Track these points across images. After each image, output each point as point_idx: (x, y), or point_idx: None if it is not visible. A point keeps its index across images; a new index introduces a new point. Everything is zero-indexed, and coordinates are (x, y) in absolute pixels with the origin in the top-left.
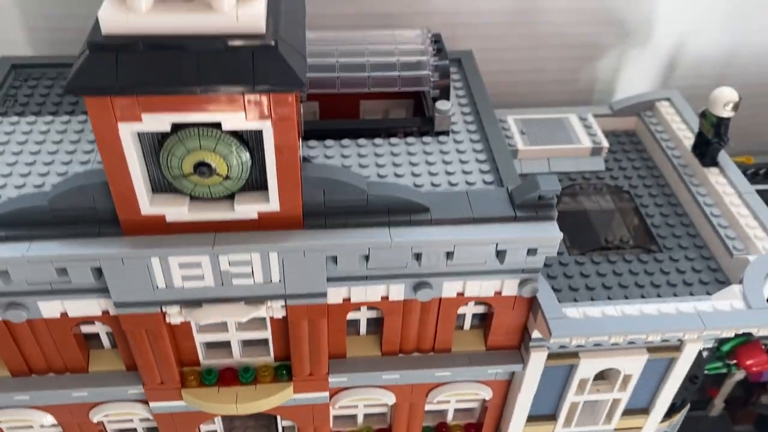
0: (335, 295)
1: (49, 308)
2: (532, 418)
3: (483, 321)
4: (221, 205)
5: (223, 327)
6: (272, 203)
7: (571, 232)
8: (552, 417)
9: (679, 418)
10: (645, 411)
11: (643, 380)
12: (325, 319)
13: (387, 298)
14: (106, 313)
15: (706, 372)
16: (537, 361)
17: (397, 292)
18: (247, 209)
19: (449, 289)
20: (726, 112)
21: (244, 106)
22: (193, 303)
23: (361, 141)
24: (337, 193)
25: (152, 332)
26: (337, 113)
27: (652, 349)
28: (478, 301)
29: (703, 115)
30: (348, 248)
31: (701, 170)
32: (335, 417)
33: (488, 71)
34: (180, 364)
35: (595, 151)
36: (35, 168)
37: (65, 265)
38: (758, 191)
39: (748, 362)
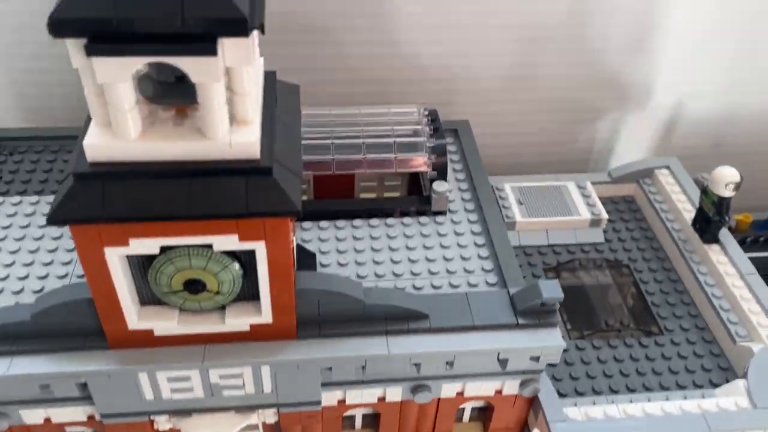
0: (330, 397)
1: (32, 416)
2: None
3: (483, 412)
4: (212, 318)
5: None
6: (264, 316)
7: (571, 312)
8: None
9: None
10: None
11: None
12: (320, 423)
13: (384, 399)
14: (91, 418)
15: None
16: None
17: (395, 393)
18: (238, 322)
19: (449, 389)
20: (727, 192)
21: (237, 229)
22: (182, 412)
23: (357, 222)
24: (333, 303)
25: None
26: (332, 187)
27: None
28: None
29: (704, 192)
30: (343, 361)
31: (702, 246)
32: None
33: (486, 135)
34: None
35: (594, 222)
36: (13, 271)
37: (49, 381)
38: (757, 258)
39: None
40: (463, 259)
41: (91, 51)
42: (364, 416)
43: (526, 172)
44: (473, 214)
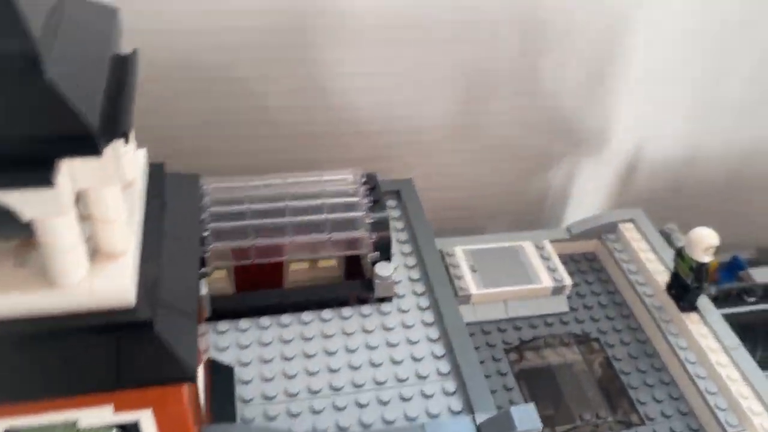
0: None
1: None
2: None
3: None
4: None
5: None
6: None
7: (539, 403)
8: None
9: None
10: None
11: None
12: None
13: None
14: None
15: None
16: None
17: None
18: None
19: None
20: (706, 257)
21: (112, 398)
22: None
23: (286, 318)
24: None
25: None
26: (256, 275)
27: None
28: None
29: (680, 256)
30: None
31: (678, 315)
32: None
33: (431, 189)
34: None
35: (557, 290)
36: None
37: None
38: (732, 315)
39: None
40: (415, 360)
41: None
42: None
43: (477, 227)
44: (423, 298)
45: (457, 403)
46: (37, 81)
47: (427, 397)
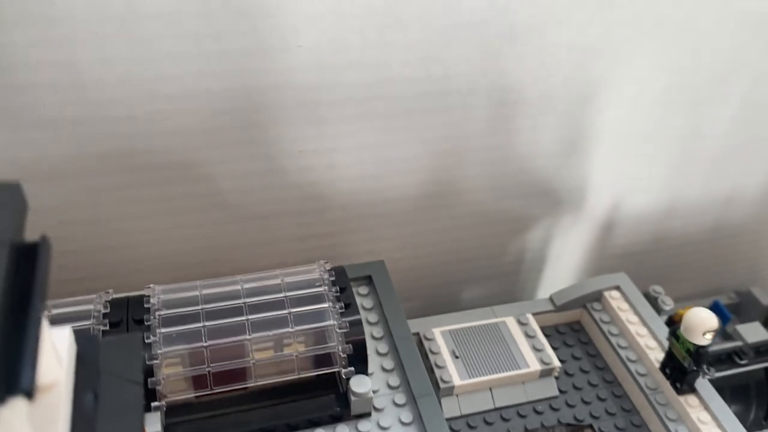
0: None
1: None
2: None
3: None
4: None
5: None
6: None
7: None
8: None
9: None
10: None
11: None
12: None
13: None
14: None
15: None
16: None
17: None
18: None
19: None
20: (705, 340)
21: None
22: None
23: None
24: None
25: None
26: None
27: None
28: None
29: (675, 336)
30: None
31: (675, 397)
32: None
33: (402, 259)
34: None
35: (545, 372)
36: None
37: None
38: (721, 378)
39: None
40: None
41: None
42: None
43: (451, 294)
44: (405, 411)
45: None
46: None
47: None
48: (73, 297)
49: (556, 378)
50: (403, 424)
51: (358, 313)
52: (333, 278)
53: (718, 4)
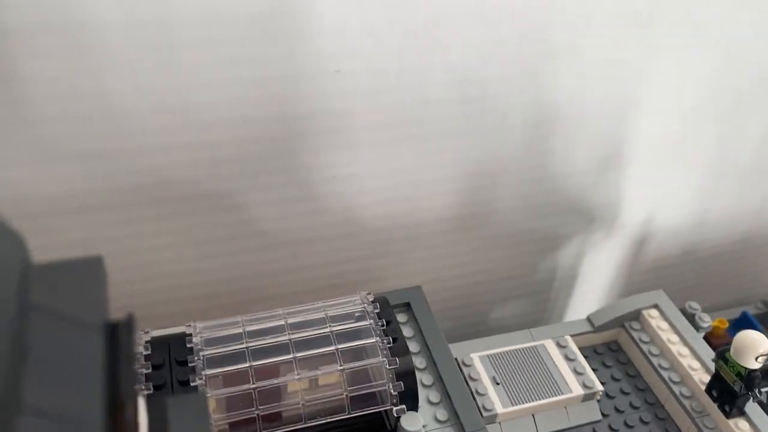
0: None
1: None
2: None
3: None
4: None
5: None
6: None
7: None
8: None
9: None
10: None
11: None
12: None
13: None
14: None
15: None
16: None
17: None
18: None
19: None
20: (758, 364)
21: None
22: None
23: None
24: None
25: None
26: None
27: None
28: None
29: (723, 359)
30: None
31: (723, 420)
32: None
33: (436, 280)
34: None
35: (588, 396)
36: None
37: None
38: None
39: None
40: None
41: None
42: None
43: (484, 312)
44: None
45: None
46: None
47: None
48: None
49: (598, 401)
50: None
51: (407, 347)
52: (378, 311)
53: (753, 15)
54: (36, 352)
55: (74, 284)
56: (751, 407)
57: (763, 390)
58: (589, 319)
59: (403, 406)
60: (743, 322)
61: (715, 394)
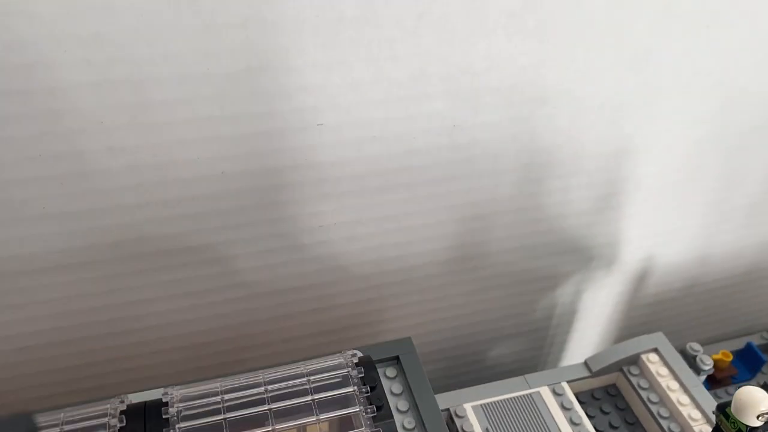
0: None
1: None
2: None
3: None
4: None
5: None
6: None
7: None
8: None
9: None
10: None
11: None
12: None
13: None
14: None
15: None
16: None
17: None
18: None
19: None
20: (759, 422)
21: None
22: None
23: None
24: None
25: None
26: None
27: None
28: None
29: (724, 414)
30: None
31: None
32: None
33: (427, 323)
34: None
35: None
36: None
37: None
38: None
39: None
40: None
41: None
42: None
43: (479, 352)
44: None
45: None
46: None
47: None
48: (86, 388)
49: None
50: None
51: (391, 414)
52: (362, 375)
53: (753, 56)
54: None
55: None
56: None
57: None
58: (586, 364)
59: None
60: (748, 354)
61: None
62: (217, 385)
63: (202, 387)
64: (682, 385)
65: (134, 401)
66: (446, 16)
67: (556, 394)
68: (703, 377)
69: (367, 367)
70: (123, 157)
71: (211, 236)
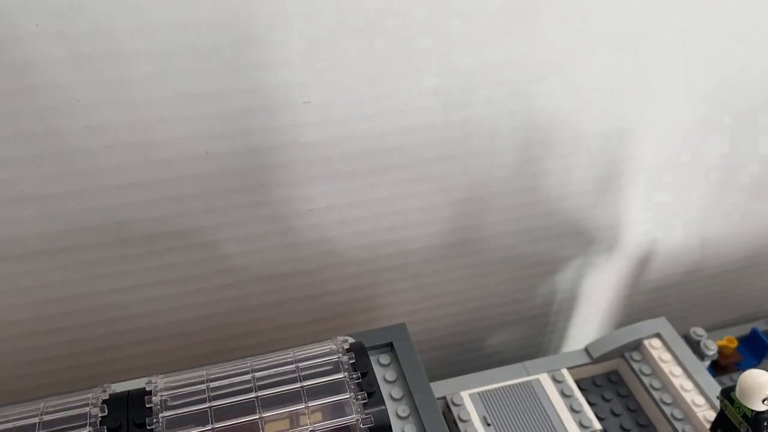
0: None
1: None
2: None
3: None
4: None
5: None
6: None
7: None
8: None
9: None
10: None
11: None
12: None
13: None
14: None
15: None
16: None
17: None
18: None
19: None
20: (764, 406)
21: None
22: None
23: None
24: None
25: None
26: None
27: None
28: None
29: (729, 399)
30: None
31: None
32: None
33: (424, 309)
34: None
35: None
36: None
37: None
38: None
39: None
40: None
41: None
42: None
43: (478, 340)
44: None
45: None
46: None
47: None
48: (73, 379)
49: None
50: None
51: (382, 400)
52: (353, 361)
53: (752, 32)
54: None
55: None
56: None
57: None
58: (587, 350)
59: None
60: (753, 340)
61: None
62: (203, 373)
63: (188, 375)
64: (685, 370)
65: (119, 390)
66: None
67: (556, 381)
68: (707, 362)
69: (359, 353)
70: (102, 136)
71: (197, 220)
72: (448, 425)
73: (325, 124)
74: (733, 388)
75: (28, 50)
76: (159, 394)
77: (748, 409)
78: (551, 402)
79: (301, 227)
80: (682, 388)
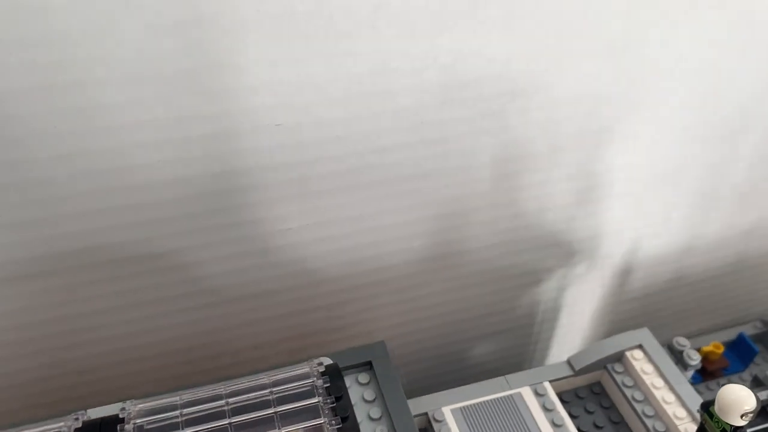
0: None
1: None
2: None
3: None
4: None
5: None
6: None
7: None
8: None
9: None
10: None
11: None
12: None
13: None
14: None
15: None
16: None
17: None
18: None
19: None
20: (743, 421)
21: None
22: None
23: None
24: None
25: None
26: None
27: None
28: None
29: (708, 413)
30: None
31: None
32: None
33: (403, 323)
34: None
35: None
36: None
37: None
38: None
39: None
40: None
41: None
42: None
43: (460, 352)
44: None
45: None
46: None
47: None
48: (54, 401)
49: None
50: None
51: (357, 427)
52: (327, 385)
53: (737, 42)
54: None
55: None
56: None
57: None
58: (569, 362)
59: None
60: (740, 345)
61: None
62: (177, 398)
63: (162, 401)
64: (667, 382)
65: (93, 417)
66: (404, 7)
67: (537, 394)
68: (691, 372)
69: (333, 376)
70: (70, 163)
71: (176, 242)
72: None
73: (299, 146)
74: (712, 402)
75: (2, 80)
76: (132, 421)
77: (727, 424)
78: (533, 416)
79: (281, 245)
80: (664, 400)
